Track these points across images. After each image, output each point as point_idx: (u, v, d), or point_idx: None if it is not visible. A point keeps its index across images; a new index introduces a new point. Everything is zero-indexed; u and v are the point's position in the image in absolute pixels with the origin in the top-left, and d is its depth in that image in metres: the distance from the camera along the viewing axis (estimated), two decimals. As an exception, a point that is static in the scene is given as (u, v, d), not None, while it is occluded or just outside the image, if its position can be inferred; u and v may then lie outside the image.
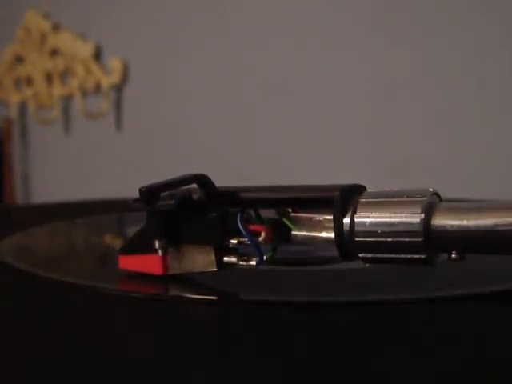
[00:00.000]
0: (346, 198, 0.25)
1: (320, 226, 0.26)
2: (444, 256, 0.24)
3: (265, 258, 0.27)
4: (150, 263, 0.29)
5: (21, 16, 1.55)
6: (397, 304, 0.25)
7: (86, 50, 1.45)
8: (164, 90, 1.34)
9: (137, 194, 0.27)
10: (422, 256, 0.24)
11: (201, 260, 0.28)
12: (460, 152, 0.98)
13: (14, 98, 1.60)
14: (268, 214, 0.28)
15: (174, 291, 0.29)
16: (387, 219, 0.24)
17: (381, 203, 0.25)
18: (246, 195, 0.27)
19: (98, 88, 1.45)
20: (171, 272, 0.28)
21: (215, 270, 0.27)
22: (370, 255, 0.25)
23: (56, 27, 1.52)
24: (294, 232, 0.27)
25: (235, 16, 1.22)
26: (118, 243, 0.43)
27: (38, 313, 0.25)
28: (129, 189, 0.43)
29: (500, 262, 0.29)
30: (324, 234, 0.26)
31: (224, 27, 1.24)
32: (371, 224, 0.24)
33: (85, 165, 1.49)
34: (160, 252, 0.28)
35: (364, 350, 0.20)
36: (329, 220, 0.26)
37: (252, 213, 0.28)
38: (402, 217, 0.24)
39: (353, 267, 0.29)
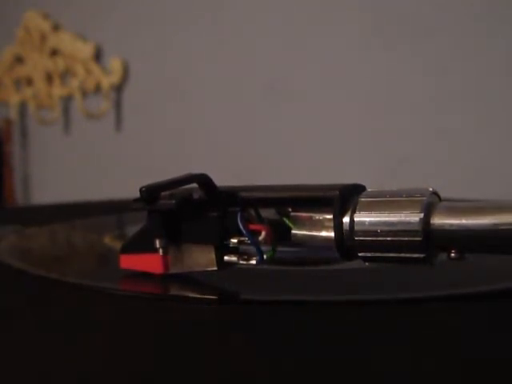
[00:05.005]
0: (346, 197, 0.26)
1: (320, 226, 0.26)
2: (443, 255, 0.25)
3: (265, 257, 0.27)
4: (150, 262, 0.29)
5: (21, 16, 1.55)
6: (397, 304, 0.25)
7: (86, 50, 1.45)
8: (164, 90, 1.34)
9: (137, 194, 0.27)
10: (422, 255, 0.24)
11: (201, 259, 0.28)
12: (460, 152, 0.98)
13: (14, 98, 1.60)
14: (268, 213, 0.28)
15: (174, 290, 0.29)
16: (387, 218, 0.24)
17: (380, 202, 0.25)
18: (246, 195, 0.28)
19: (98, 88, 1.45)
20: (172, 271, 0.29)
21: (215, 269, 0.28)
22: (369, 254, 0.25)
23: (56, 27, 1.52)
24: (294, 231, 0.27)
25: (235, 16, 1.22)
26: (118, 243, 0.43)
27: (38, 313, 0.25)
28: (129, 189, 0.43)
29: (500, 261, 0.29)
30: (324, 234, 0.26)
31: (224, 28, 1.24)
32: (371, 223, 0.25)
33: (85, 165, 1.49)
34: (160, 251, 0.28)
35: (364, 350, 0.20)
36: (329, 219, 0.26)
37: (252, 212, 0.28)
38: (401, 216, 0.24)
39: (352, 267, 0.29)
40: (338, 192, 0.25)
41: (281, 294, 0.27)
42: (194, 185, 0.28)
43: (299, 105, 1.15)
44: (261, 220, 0.27)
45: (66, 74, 1.52)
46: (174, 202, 0.27)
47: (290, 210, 0.27)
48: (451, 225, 0.23)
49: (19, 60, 1.59)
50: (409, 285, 0.29)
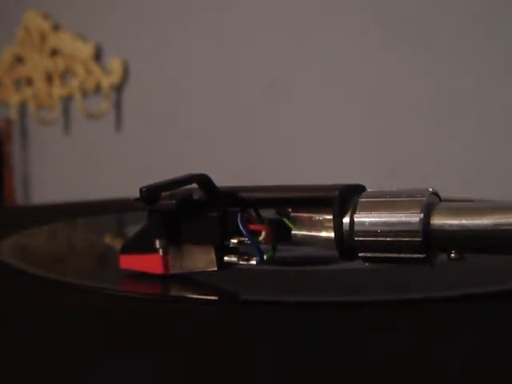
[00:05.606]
0: (346, 197, 0.26)
1: (320, 226, 0.26)
2: (443, 255, 0.25)
3: (265, 257, 0.27)
4: (150, 263, 0.29)
5: (21, 16, 1.55)
6: (397, 304, 0.25)
7: (86, 49, 1.45)
8: (164, 90, 1.34)
9: (137, 194, 0.27)
10: (422, 255, 0.24)
11: (201, 259, 0.28)
12: (460, 152, 0.98)
13: (14, 98, 1.60)
14: (268, 213, 0.28)
15: (174, 291, 0.29)
16: (387, 219, 0.24)
17: (380, 203, 0.25)
18: (246, 195, 0.28)
19: (98, 88, 1.45)
20: (172, 271, 0.29)
21: (215, 269, 0.28)
22: (369, 254, 0.25)
23: (56, 27, 1.52)
24: (293, 232, 0.27)
25: (236, 16, 1.22)
26: (118, 243, 0.43)
27: (38, 313, 0.25)
28: (129, 189, 0.43)
29: (500, 261, 0.29)
30: (324, 234, 0.26)
31: (224, 28, 1.24)
32: (371, 223, 0.25)
33: (85, 165, 1.49)
34: (161, 251, 0.28)
35: (364, 350, 0.20)
36: (329, 220, 0.26)
37: (252, 212, 0.28)
38: (401, 216, 0.24)
39: (352, 267, 0.29)
40: (337, 192, 0.25)
41: (281, 294, 0.27)
42: (194, 185, 0.28)
43: (299, 105, 1.15)
44: (261, 220, 0.27)
45: (66, 74, 1.52)
46: (174, 202, 0.27)
47: (289, 210, 0.27)
48: (451, 225, 0.23)
49: (19, 60, 1.59)
50: (409, 285, 0.29)
